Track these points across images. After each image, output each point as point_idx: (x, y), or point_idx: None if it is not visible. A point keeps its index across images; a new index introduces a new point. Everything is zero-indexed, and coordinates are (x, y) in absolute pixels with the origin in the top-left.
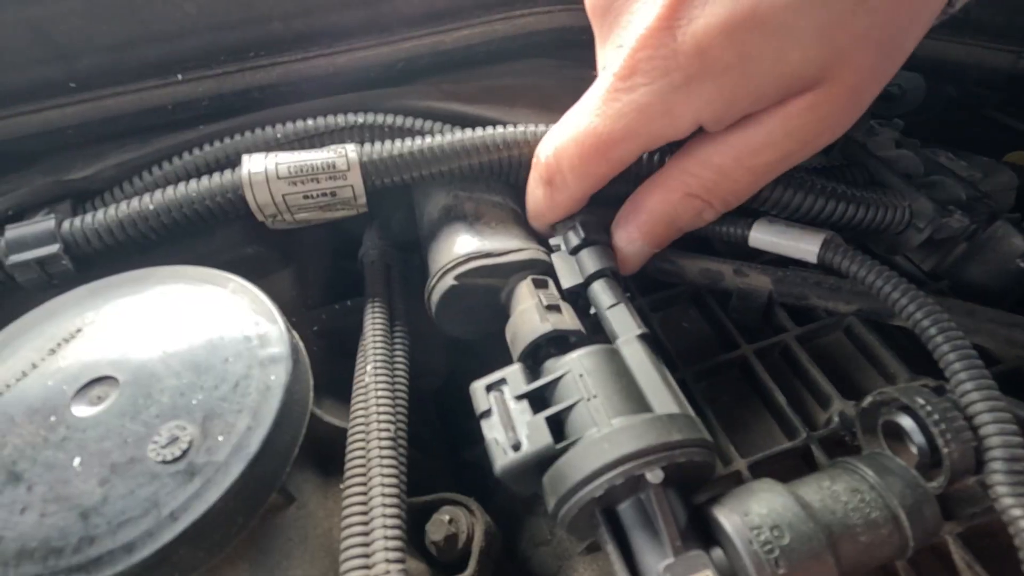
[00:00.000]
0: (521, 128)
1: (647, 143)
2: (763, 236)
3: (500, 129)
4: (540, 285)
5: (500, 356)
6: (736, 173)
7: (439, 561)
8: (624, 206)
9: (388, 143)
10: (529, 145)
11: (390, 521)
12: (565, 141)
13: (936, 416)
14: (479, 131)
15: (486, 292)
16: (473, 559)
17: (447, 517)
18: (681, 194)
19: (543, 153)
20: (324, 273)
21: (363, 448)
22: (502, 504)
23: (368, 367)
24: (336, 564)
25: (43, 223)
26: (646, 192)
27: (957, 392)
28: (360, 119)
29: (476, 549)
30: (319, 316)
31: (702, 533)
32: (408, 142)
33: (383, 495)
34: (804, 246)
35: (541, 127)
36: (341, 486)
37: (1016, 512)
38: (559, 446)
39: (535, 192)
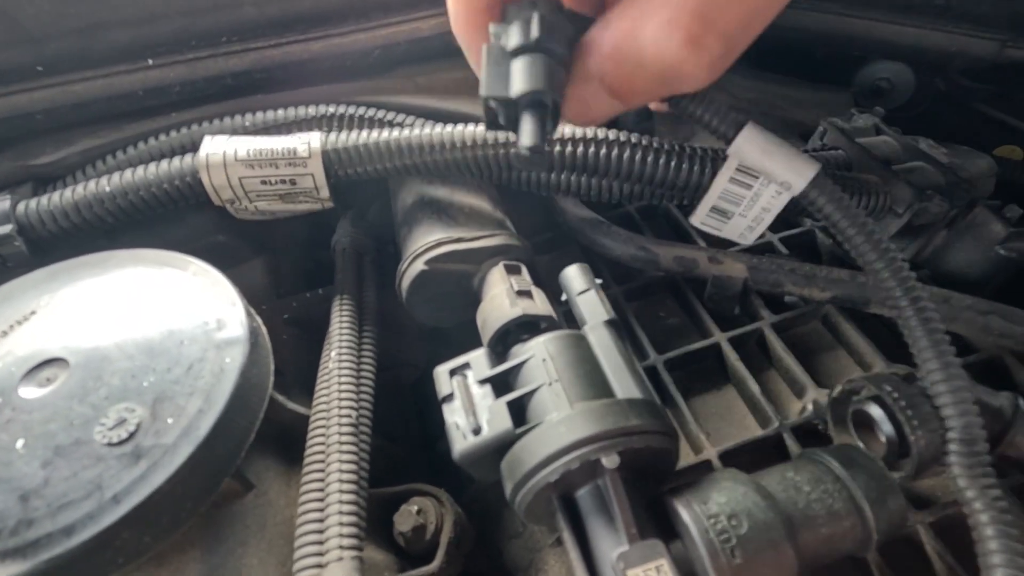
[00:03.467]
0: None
1: None
2: (748, 146)
3: (470, 127)
4: (512, 271)
5: (478, 342)
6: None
7: (407, 552)
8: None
9: (353, 133)
10: (497, 145)
11: (346, 507)
12: None
13: (903, 403)
14: (448, 127)
15: (458, 278)
16: (441, 550)
17: (415, 508)
18: (656, 23)
19: None
20: (298, 262)
21: (323, 434)
22: (476, 496)
23: (333, 353)
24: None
25: None
26: (608, 20)
27: (923, 370)
28: (331, 110)
29: (444, 540)
30: (290, 304)
31: (663, 525)
32: (374, 133)
33: (340, 480)
34: (792, 173)
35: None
36: (302, 473)
37: (970, 494)
38: (519, 431)
39: None
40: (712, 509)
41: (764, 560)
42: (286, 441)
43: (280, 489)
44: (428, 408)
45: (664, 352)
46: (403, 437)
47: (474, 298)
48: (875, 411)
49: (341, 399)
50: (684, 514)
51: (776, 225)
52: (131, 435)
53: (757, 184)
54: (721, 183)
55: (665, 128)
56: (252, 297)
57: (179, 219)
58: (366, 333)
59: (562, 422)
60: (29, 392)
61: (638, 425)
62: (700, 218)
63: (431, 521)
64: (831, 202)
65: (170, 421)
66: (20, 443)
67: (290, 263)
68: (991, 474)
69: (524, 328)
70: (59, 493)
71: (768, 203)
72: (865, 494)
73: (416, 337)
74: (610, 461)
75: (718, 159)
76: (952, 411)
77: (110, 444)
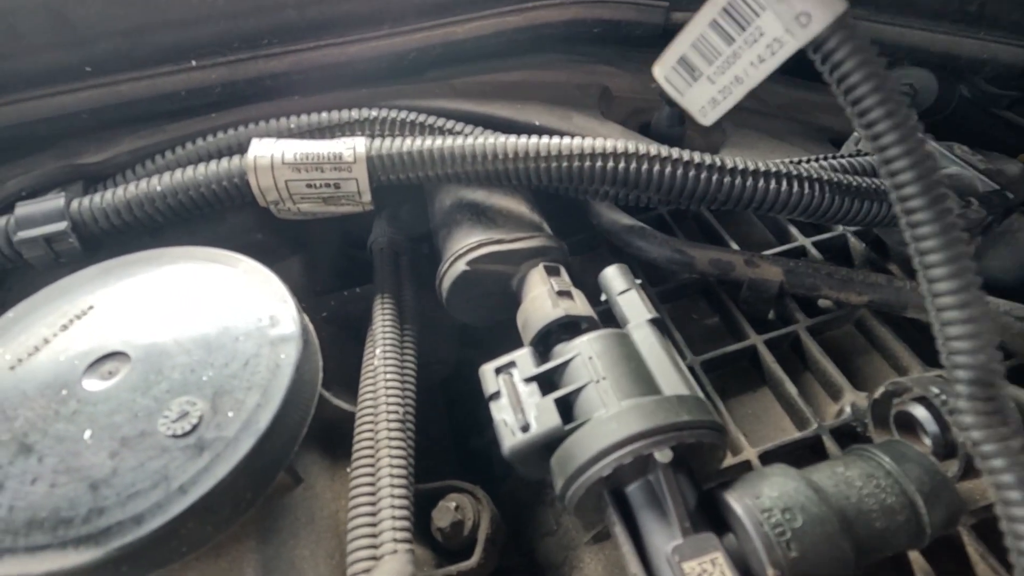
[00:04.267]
0: (534, 140)
1: None
2: None
3: (512, 139)
4: (552, 272)
5: (508, 347)
6: None
7: (444, 548)
8: None
9: (397, 140)
10: (539, 157)
11: (398, 502)
12: None
13: (951, 405)
14: (491, 138)
15: (497, 279)
16: (479, 546)
17: (453, 504)
18: None
19: None
20: (332, 261)
21: (371, 430)
22: (508, 493)
23: (377, 351)
24: (342, 545)
25: (52, 201)
26: None
27: (930, 290)
28: (374, 113)
29: (482, 536)
30: (328, 302)
31: (713, 519)
32: (417, 141)
33: (391, 475)
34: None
35: (555, 139)
36: (348, 469)
37: (988, 448)
38: (567, 427)
39: None
40: (765, 503)
41: (820, 553)
42: (330, 437)
43: (326, 483)
44: (457, 406)
45: (698, 354)
46: (435, 435)
47: (511, 299)
48: (920, 412)
49: (388, 396)
50: (737, 508)
51: (808, 230)
52: (194, 427)
53: (744, 36)
54: (701, 24)
55: (696, 133)
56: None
57: (220, 218)
58: (407, 331)
59: (613, 418)
60: (93, 385)
61: (689, 420)
62: (664, 70)
63: (468, 517)
64: (856, 54)
65: (230, 415)
66: (88, 434)
67: (325, 261)
68: (1016, 424)
69: (565, 328)
70: (127, 483)
71: (747, 69)
72: (918, 488)
73: (446, 336)
74: (663, 456)
75: (758, 173)
76: (966, 343)
77: (174, 436)
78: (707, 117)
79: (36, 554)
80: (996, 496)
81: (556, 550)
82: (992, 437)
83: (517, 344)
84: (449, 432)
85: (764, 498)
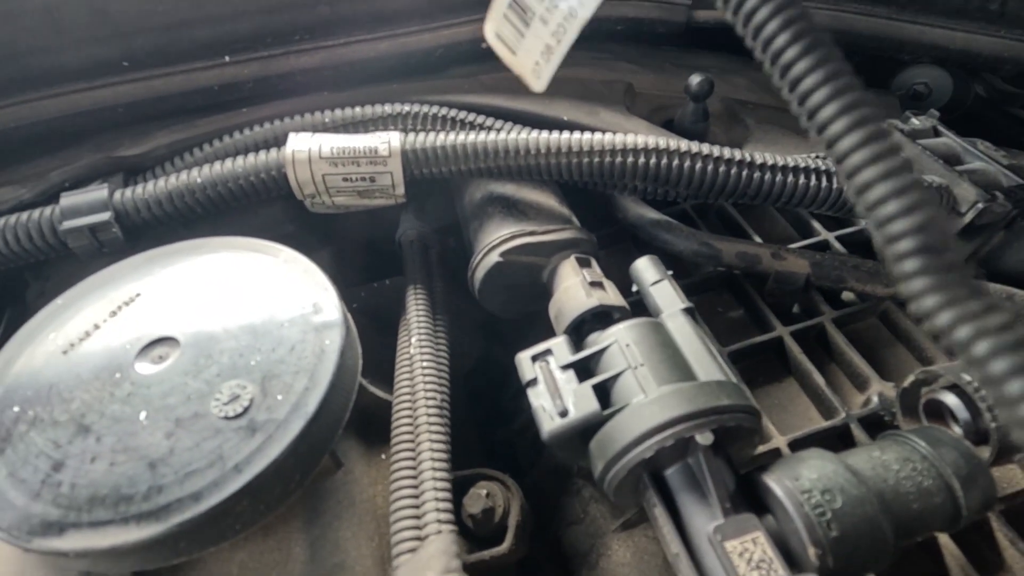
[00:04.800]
0: (566, 136)
1: None
2: None
3: (544, 134)
4: (584, 264)
5: (530, 341)
6: None
7: (475, 535)
8: None
9: (431, 135)
10: (571, 153)
11: (440, 484)
12: None
13: (982, 392)
14: (523, 133)
15: (528, 270)
16: (510, 532)
17: (484, 491)
18: None
19: None
20: (359, 254)
21: (410, 416)
22: (532, 484)
23: (412, 339)
24: (381, 528)
25: (96, 192)
26: None
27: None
28: (406, 108)
29: (513, 523)
30: (358, 294)
31: (750, 503)
32: (451, 136)
33: (432, 459)
34: None
35: (586, 135)
36: (384, 456)
37: (963, 333)
38: (606, 412)
39: None
40: (804, 484)
41: (860, 533)
42: (367, 423)
43: (363, 469)
44: (480, 399)
45: (724, 346)
46: (459, 425)
47: (540, 290)
48: (951, 399)
49: (426, 382)
50: (777, 489)
51: (830, 224)
52: (245, 410)
53: None
54: None
55: (719, 129)
56: None
57: (252, 211)
58: (439, 321)
59: (654, 402)
60: (145, 368)
61: (729, 405)
62: (496, 23)
63: (499, 504)
64: None
65: (280, 398)
66: (143, 415)
67: (352, 254)
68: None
69: (598, 318)
70: (184, 462)
71: None
72: (955, 472)
73: (470, 329)
74: (704, 438)
75: (787, 168)
76: (895, 205)
77: (227, 418)
78: (541, 77)
79: (99, 529)
80: (988, 391)
81: (583, 538)
82: (964, 316)
83: (538, 338)
84: (473, 423)
85: (803, 480)
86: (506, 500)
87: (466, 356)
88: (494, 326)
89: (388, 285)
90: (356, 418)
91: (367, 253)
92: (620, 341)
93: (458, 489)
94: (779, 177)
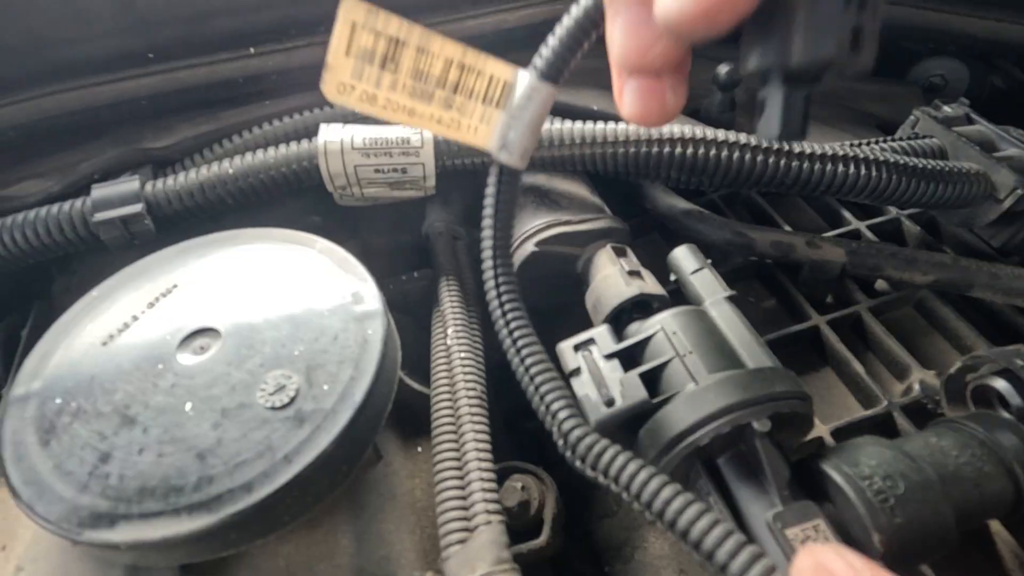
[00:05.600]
0: (600, 126)
1: None
2: None
3: (578, 124)
4: (620, 253)
5: (555, 334)
6: None
7: (510, 528)
8: None
9: None
10: (606, 143)
11: (486, 475)
12: None
13: None
14: (556, 123)
15: (563, 261)
16: (547, 526)
17: (519, 484)
18: None
19: None
20: (386, 245)
21: (451, 407)
22: (562, 478)
23: (449, 330)
24: (422, 521)
25: (128, 183)
26: None
27: None
28: None
29: (549, 516)
30: (387, 286)
31: (806, 491)
32: None
33: (477, 450)
34: None
35: (620, 126)
36: (419, 448)
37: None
38: (655, 400)
39: None
40: (864, 471)
41: (924, 520)
42: (404, 416)
43: (402, 461)
44: (507, 393)
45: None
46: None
47: (572, 281)
48: (1001, 384)
49: (465, 373)
50: (836, 476)
51: (860, 213)
52: (292, 400)
53: None
54: None
55: (745, 119)
56: None
57: (278, 202)
58: (472, 313)
59: (708, 389)
60: (187, 359)
61: (783, 391)
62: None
63: (534, 497)
64: None
65: (326, 388)
66: (188, 406)
67: (378, 246)
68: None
69: (638, 307)
70: (232, 452)
71: None
72: (1015, 456)
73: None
74: (762, 425)
75: (824, 157)
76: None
77: (273, 408)
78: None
79: (150, 520)
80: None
81: (616, 531)
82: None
83: (570, 330)
84: (499, 416)
85: (863, 466)
86: (541, 493)
87: (494, 348)
88: None
89: (416, 277)
90: (393, 410)
91: (393, 246)
92: (666, 329)
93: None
94: (816, 165)
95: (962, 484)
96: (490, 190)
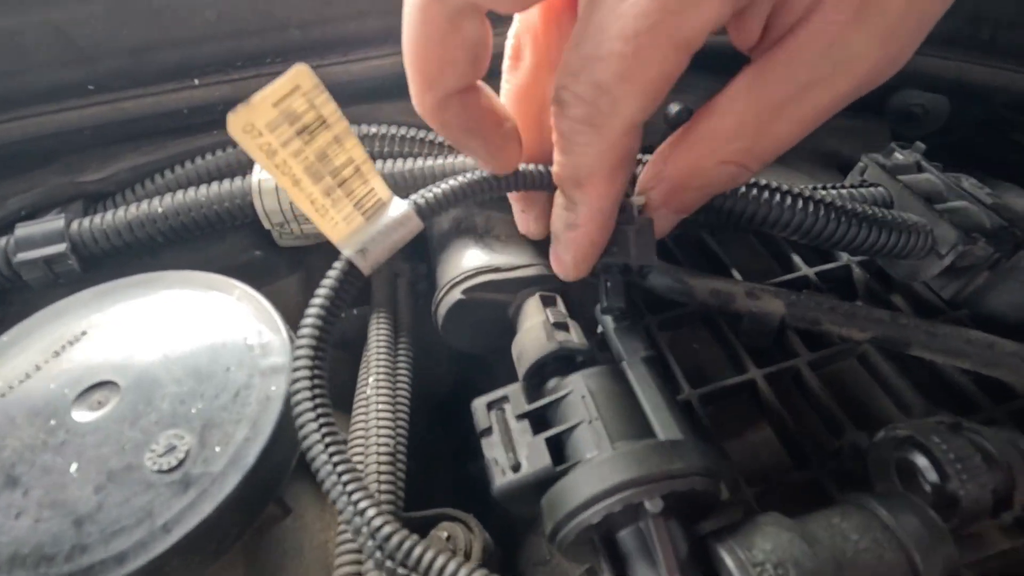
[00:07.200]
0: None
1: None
2: None
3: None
4: (548, 302)
5: (508, 366)
6: (777, 127)
7: None
8: (645, 171)
9: (400, 161)
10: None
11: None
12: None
13: (952, 455)
14: None
15: (493, 307)
16: None
17: (445, 534)
18: (713, 162)
19: (569, 84)
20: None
21: (361, 462)
22: (502, 520)
23: (370, 379)
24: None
25: (52, 222)
26: (671, 158)
27: None
28: (373, 130)
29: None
30: None
31: (705, 567)
32: (419, 161)
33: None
34: None
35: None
36: None
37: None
38: (558, 468)
39: (572, 148)
40: (758, 556)
41: None
42: None
43: (316, 513)
44: (454, 427)
45: (698, 385)
46: (431, 456)
47: (508, 326)
48: (920, 460)
49: (380, 428)
50: (729, 561)
51: (812, 259)
52: (180, 463)
53: None
54: None
55: None
56: (288, 315)
57: (219, 236)
58: (401, 355)
59: (604, 463)
60: (82, 415)
61: (681, 468)
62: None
63: (460, 547)
64: None
65: (217, 449)
66: (74, 467)
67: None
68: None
69: (561, 361)
70: (111, 519)
71: None
72: (916, 544)
73: (445, 356)
74: (653, 505)
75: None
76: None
77: (160, 471)
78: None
79: None
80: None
81: None
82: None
83: (503, 376)
84: (446, 453)
85: (757, 551)
86: (468, 542)
87: (440, 382)
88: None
89: (356, 315)
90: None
91: None
92: (577, 391)
93: (420, 530)
94: (767, 196)
95: (859, 573)
96: (328, 280)
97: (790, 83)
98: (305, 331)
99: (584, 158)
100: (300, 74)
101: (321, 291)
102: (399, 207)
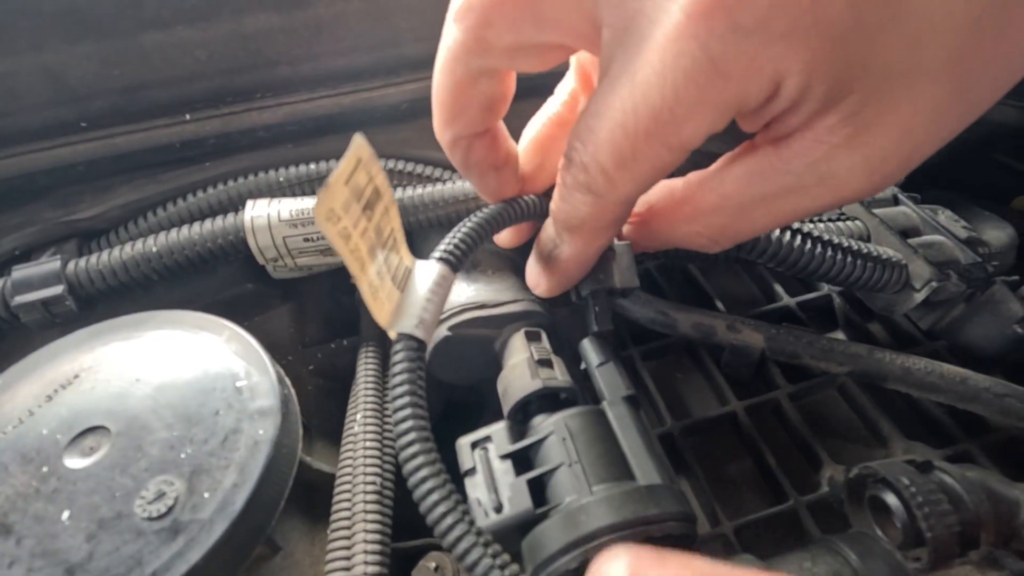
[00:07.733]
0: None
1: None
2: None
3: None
4: (533, 338)
5: (485, 412)
6: (755, 216)
7: None
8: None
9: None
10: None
11: (371, 569)
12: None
13: (920, 499)
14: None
15: (480, 342)
16: None
17: (433, 564)
18: (689, 228)
19: (577, 154)
20: (322, 309)
21: (348, 499)
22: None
23: (358, 415)
24: None
25: (48, 264)
26: (654, 208)
27: None
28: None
29: None
30: (315, 354)
31: None
32: (407, 190)
33: (366, 551)
34: None
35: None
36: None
37: None
38: (539, 511)
39: (571, 200)
40: None
41: None
42: (311, 500)
43: (305, 549)
44: (443, 452)
45: (680, 415)
46: None
47: (495, 359)
48: (891, 499)
49: (367, 464)
50: None
51: (794, 289)
52: (169, 509)
53: None
54: None
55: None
56: (279, 347)
57: (211, 269)
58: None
59: (582, 509)
60: (74, 462)
61: (658, 514)
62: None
63: None
64: None
65: (206, 495)
66: (66, 515)
67: (314, 310)
68: None
69: (545, 399)
70: (102, 568)
71: None
72: None
73: (434, 384)
74: None
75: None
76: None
77: (150, 519)
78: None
79: None
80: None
81: None
82: None
83: (491, 411)
84: None
85: None
86: (455, 573)
87: (429, 409)
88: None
89: (345, 345)
90: (301, 494)
91: (330, 309)
92: (558, 432)
93: (408, 561)
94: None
95: None
96: (401, 369)
97: (777, 183)
98: (408, 436)
99: (578, 212)
100: (360, 147)
101: (401, 387)
102: (429, 268)
